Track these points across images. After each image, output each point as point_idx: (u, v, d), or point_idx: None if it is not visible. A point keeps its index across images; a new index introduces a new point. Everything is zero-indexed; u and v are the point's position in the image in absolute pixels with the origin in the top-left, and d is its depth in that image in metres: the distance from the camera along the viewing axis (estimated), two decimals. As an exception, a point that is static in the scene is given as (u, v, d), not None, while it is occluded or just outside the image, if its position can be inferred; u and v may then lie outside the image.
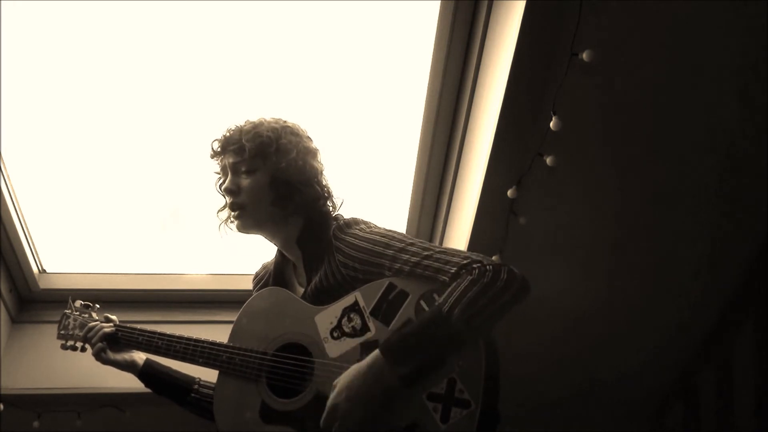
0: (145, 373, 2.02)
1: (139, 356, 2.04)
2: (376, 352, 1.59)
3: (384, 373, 1.57)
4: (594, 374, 2.82)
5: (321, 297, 1.81)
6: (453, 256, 1.66)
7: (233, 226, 1.94)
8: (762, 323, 2.52)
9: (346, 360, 1.67)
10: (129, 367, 2.02)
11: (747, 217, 2.45)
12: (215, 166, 1.99)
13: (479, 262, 1.61)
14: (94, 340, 2.02)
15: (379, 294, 1.71)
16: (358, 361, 1.62)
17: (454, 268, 1.62)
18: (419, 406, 1.57)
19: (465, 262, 1.63)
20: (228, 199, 1.91)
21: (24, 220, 2.61)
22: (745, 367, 2.57)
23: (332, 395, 1.61)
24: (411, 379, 1.57)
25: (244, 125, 1.92)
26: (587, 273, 2.54)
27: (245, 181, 1.88)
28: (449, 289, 1.60)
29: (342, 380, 1.61)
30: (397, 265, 1.70)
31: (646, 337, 2.75)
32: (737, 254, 2.55)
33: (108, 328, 2.02)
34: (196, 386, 2.01)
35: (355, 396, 1.57)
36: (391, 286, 1.70)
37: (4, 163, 2.47)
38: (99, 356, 2.01)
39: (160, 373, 2.03)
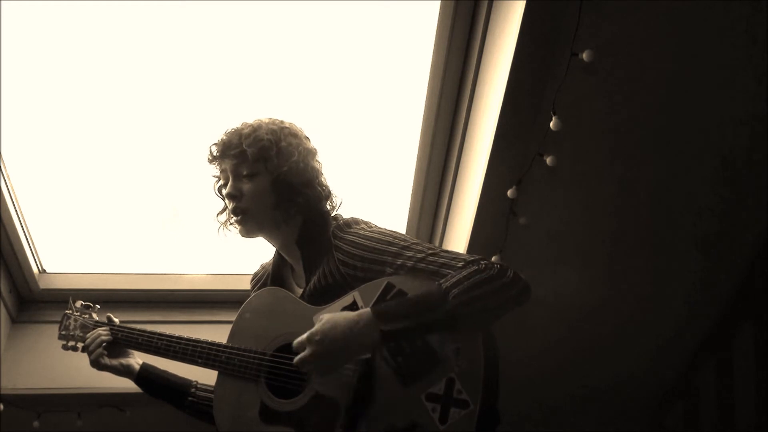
0: (142, 377, 2.03)
1: (136, 361, 2.05)
2: (367, 309, 1.62)
3: (368, 329, 1.58)
4: (594, 374, 2.82)
5: (319, 296, 1.81)
6: (460, 255, 1.69)
7: (234, 229, 1.95)
8: (762, 323, 2.52)
9: (345, 360, 1.68)
10: (125, 372, 2.03)
11: (747, 218, 2.44)
12: (214, 169, 1.98)
13: (487, 260, 1.64)
14: (91, 348, 2.02)
15: (378, 293, 1.71)
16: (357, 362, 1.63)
17: (461, 263, 1.64)
18: (418, 407, 1.57)
19: (473, 259, 1.65)
20: (230, 204, 1.91)
21: (24, 220, 2.61)
22: (745, 367, 2.57)
23: (310, 331, 1.62)
24: (391, 338, 1.59)
25: (243, 128, 1.91)
26: (587, 273, 2.54)
27: (247, 186, 1.88)
28: (454, 272, 1.61)
29: (324, 324, 1.62)
30: (400, 261, 1.70)
31: (646, 336, 2.75)
32: (737, 254, 2.55)
33: (105, 335, 2.02)
34: (193, 389, 2.02)
35: (329, 341, 1.59)
36: (389, 286, 1.70)
37: (4, 163, 2.47)
38: (96, 363, 2.01)
39: (157, 377, 2.03)
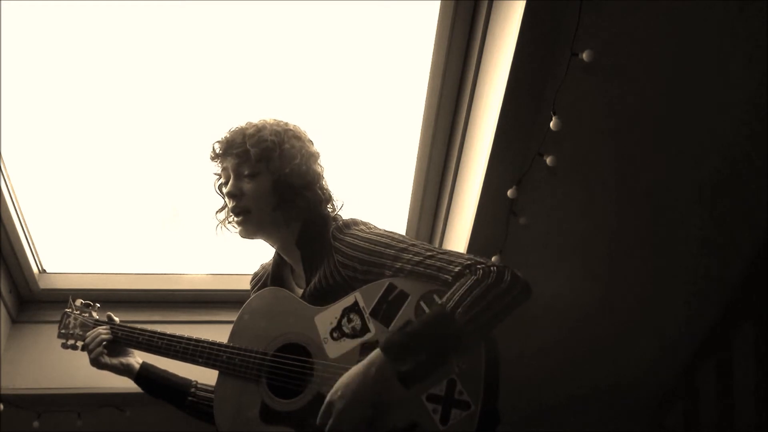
0: (142, 377, 2.03)
1: (136, 360, 2.04)
2: (377, 350, 1.59)
3: (383, 371, 1.56)
4: (594, 374, 2.82)
5: (320, 298, 1.81)
6: (456, 257, 1.67)
7: (234, 228, 1.94)
8: (762, 323, 2.52)
9: (346, 361, 1.68)
10: (125, 371, 2.03)
11: (747, 218, 2.45)
12: (215, 166, 1.98)
13: (483, 263, 1.62)
14: (91, 346, 2.01)
15: (379, 294, 1.71)
16: (359, 361, 1.62)
17: (458, 268, 1.62)
18: (419, 407, 1.57)
19: (469, 262, 1.63)
20: (230, 203, 1.91)
21: (24, 220, 2.61)
22: (745, 367, 2.57)
23: (330, 393, 1.61)
24: (411, 378, 1.56)
25: (247, 128, 1.90)
26: (587, 273, 2.54)
27: (248, 185, 1.87)
28: (453, 288, 1.60)
29: (341, 379, 1.61)
30: (398, 264, 1.70)
31: (646, 337, 2.75)
32: (737, 254, 2.55)
33: (105, 334, 2.02)
34: (192, 389, 2.02)
35: (351, 394, 1.57)
36: (391, 287, 1.70)
37: (4, 163, 2.47)
38: (96, 362, 2.01)
39: (157, 377, 2.03)
